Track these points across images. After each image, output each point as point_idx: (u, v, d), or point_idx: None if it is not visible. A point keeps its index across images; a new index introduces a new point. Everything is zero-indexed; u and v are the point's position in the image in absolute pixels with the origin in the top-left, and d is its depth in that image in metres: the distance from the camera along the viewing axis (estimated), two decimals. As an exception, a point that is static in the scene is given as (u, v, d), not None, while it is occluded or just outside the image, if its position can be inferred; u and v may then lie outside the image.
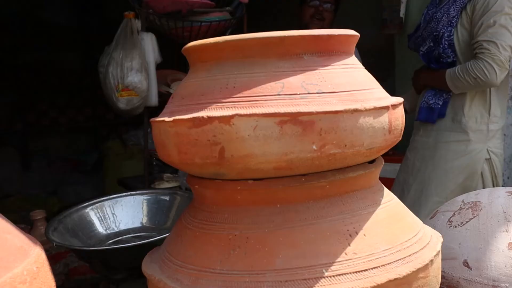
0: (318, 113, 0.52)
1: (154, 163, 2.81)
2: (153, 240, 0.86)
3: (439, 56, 1.74)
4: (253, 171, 0.55)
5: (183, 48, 0.63)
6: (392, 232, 0.58)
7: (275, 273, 0.53)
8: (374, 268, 0.54)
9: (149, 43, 2.69)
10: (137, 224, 1.21)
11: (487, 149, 1.94)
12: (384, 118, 0.57)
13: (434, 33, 1.74)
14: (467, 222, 0.85)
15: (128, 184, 2.77)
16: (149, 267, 0.63)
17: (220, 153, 0.54)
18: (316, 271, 0.53)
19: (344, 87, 0.57)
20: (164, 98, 2.74)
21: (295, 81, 0.55)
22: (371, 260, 0.54)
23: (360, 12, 3.19)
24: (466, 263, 0.80)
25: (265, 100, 0.54)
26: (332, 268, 0.53)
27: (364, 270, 0.53)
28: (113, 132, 4.45)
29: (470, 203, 0.89)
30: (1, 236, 0.49)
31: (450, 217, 0.88)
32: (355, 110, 0.54)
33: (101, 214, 1.20)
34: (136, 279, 0.93)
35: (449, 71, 1.69)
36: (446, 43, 1.71)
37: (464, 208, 0.89)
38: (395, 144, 0.60)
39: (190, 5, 2.71)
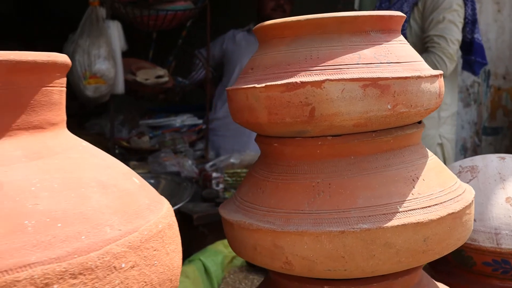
0: (392, 78, 0.64)
1: (117, 151, 2.83)
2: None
3: None
4: (335, 128, 0.66)
5: (259, 25, 0.73)
6: (442, 178, 0.71)
7: (358, 210, 0.65)
8: (435, 205, 0.67)
9: (115, 31, 2.72)
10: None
11: (439, 135, 2.15)
12: (436, 84, 0.70)
13: None
14: (468, 182, 1.01)
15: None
16: (234, 216, 0.72)
17: (311, 113, 0.65)
18: (391, 207, 0.65)
19: (405, 59, 0.69)
20: (129, 86, 2.77)
21: (368, 53, 0.67)
22: (431, 199, 0.67)
23: (314, 4, 3.34)
24: (472, 216, 0.95)
25: (348, 68, 0.65)
26: (404, 205, 0.65)
27: (428, 206, 0.66)
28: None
29: (468, 167, 1.05)
30: (146, 183, 0.57)
31: (453, 179, 1.03)
32: (419, 77, 0.66)
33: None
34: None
35: None
36: None
37: (463, 172, 1.04)
38: (438, 107, 0.73)
39: (156, -7, 2.74)
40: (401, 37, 0.73)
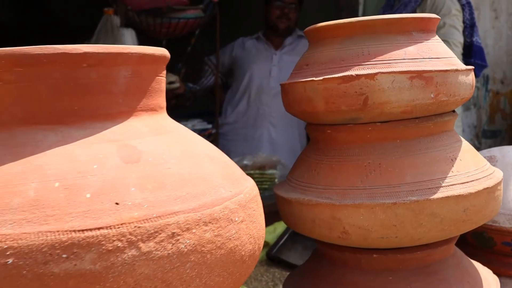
0: (435, 71, 0.75)
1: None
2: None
3: None
4: (384, 115, 0.76)
5: (312, 27, 0.83)
6: (475, 159, 0.82)
7: (407, 185, 0.75)
8: (472, 181, 0.77)
9: (129, 39, 2.81)
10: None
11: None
12: (470, 77, 0.80)
13: None
14: (487, 169, 1.11)
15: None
16: (292, 195, 0.82)
17: (364, 101, 0.75)
18: (435, 183, 0.75)
19: (442, 55, 0.79)
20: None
21: (413, 50, 0.77)
22: (468, 176, 0.77)
23: (317, 12, 3.46)
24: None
25: (396, 63, 0.75)
26: (446, 181, 0.75)
27: (467, 182, 0.76)
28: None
29: (487, 157, 1.15)
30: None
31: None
32: (456, 70, 0.77)
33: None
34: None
35: None
36: None
37: (482, 161, 1.15)
38: (471, 96, 0.84)
39: (168, 3, 2.86)
40: (437, 37, 0.84)
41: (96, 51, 0.52)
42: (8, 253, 0.42)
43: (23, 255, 0.42)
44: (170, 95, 3.00)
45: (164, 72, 0.63)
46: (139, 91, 0.57)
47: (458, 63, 0.80)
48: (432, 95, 0.75)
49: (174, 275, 0.47)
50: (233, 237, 0.53)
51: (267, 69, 2.83)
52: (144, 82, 0.57)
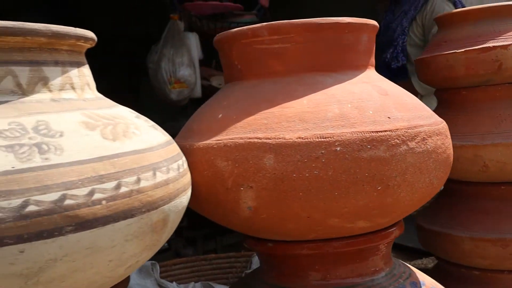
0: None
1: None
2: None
3: (390, 60, 2.03)
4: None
5: (446, 13, 1.08)
6: None
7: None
8: None
9: (193, 42, 3.08)
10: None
11: None
12: None
13: (391, 40, 2.05)
14: None
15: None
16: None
17: (499, 67, 1.00)
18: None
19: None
20: (204, 90, 3.12)
21: (531, 28, 1.03)
22: None
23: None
24: None
25: (520, 37, 1.01)
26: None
27: None
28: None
29: None
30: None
31: None
32: None
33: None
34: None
35: (414, 79, 1.95)
36: (400, 48, 2.02)
37: None
38: None
39: (227, 9, 3.14)
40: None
41: (354, 22, 0.77)
42: (336, 143, 0.67)
43: (345, 145, 0.67)
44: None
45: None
46: (369, 51, 0.82)
47: None
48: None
49: (423, 165, 0.72)
50: (448, 148, 0.77)
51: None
52: (371, 45, 0.82)
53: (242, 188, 0.69)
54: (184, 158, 0.69)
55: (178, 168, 0.63)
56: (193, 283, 1.59)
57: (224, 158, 0.70)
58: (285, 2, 3.78)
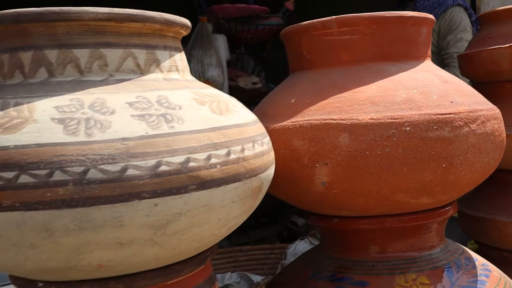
0: None
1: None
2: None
3: None
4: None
5: (490, 11, 1.15)
6: None
7: None
8: None
9: (221, 43, 3.17)
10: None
11: None
12: None
13: None
14: None
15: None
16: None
17: (542, 60, 1.06)
18: None
19: None
20: (231, 91, 3.20)
21: None
22: None
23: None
24: None
25: None
26: None
27: None
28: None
29: None
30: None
31: None
32: None
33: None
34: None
35: None
36: None
37: None
38: None
39: (254, 11, 3.23)
40: None
41: (416, 15, 0.84)
42: (406, 124, 0.74)
43: (414, 126, 0.74)
44: (255, 94, 3.34)
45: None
46: (427, 43, 0.89)
47: None
48: None
49: (483, 146, 0.79)
50: (503, 132, 0.84)
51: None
52: (428, 37, 0.89)
53: (317, 165, 0.76)
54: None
55: (268, 143, 0.70)
56: (229, 273, 1.66)
57: (300, 138, 0.78)
58: (309, 5, 3.87)
